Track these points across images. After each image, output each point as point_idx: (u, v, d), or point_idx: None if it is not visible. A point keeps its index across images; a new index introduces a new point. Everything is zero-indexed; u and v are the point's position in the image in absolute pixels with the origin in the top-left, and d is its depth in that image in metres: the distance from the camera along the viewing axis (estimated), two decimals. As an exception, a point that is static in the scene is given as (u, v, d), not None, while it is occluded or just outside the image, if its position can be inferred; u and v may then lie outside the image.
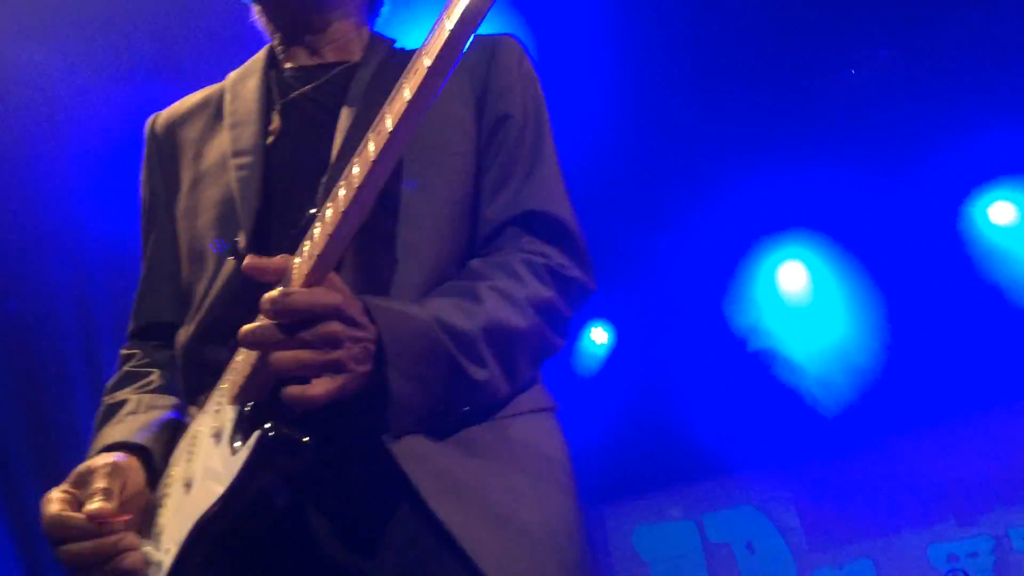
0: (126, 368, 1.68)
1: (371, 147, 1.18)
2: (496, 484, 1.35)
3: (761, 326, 6.20)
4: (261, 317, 1.20)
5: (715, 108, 5.21)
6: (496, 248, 1.52)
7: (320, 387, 1.18)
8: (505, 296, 1.41)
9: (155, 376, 1.64)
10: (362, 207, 1.20)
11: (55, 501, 1.31)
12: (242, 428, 1.28)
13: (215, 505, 1.25)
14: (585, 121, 4.71)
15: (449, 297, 1.38)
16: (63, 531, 1.28)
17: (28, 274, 4.55)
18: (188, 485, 1.35)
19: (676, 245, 5.76)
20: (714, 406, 5.99)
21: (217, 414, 1.35)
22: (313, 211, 1.30)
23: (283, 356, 1.17)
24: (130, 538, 1.31)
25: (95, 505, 1.29)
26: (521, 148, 1.56)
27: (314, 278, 1.21)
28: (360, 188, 1.18)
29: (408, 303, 1.34)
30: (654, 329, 6.12)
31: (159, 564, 1.30)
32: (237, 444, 1.27)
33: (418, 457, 1.31)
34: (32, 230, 4.45)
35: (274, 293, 1.17)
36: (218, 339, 1.45)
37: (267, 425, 1.22)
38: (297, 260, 1.23)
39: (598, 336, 6.39)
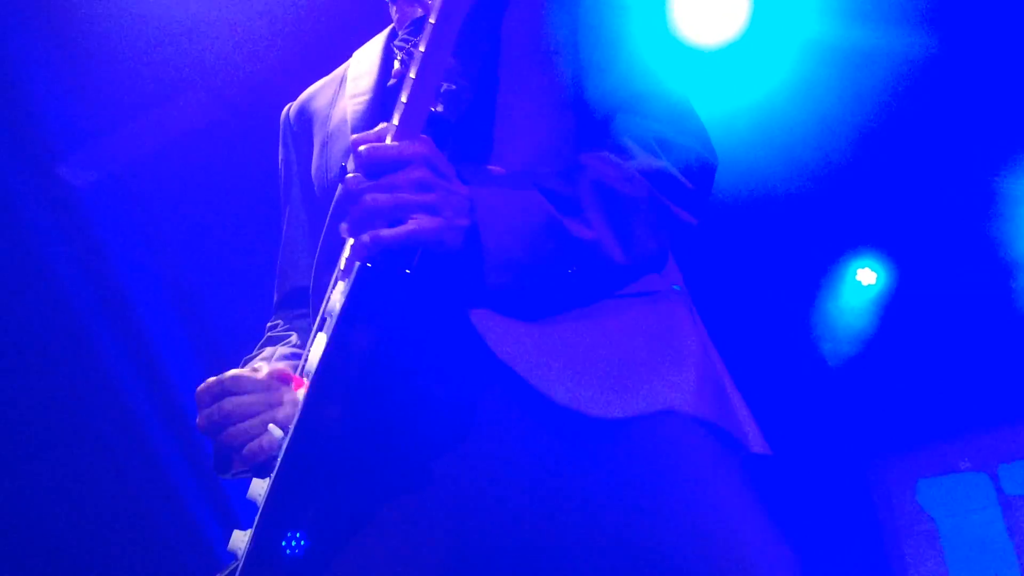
0: (267, 335, 1.73)
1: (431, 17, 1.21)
2: (584, 341, 1.27)
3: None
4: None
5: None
6: (604, 136, 1.45)
7: (415, 223, 1.17)
8: (610, 164, 1.35)
9: (293, 337, 1.68)
10: (437, 57, 1.22)
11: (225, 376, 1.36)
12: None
13: (321, 361, 1.24)
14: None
15: (550, 171, 1.35)
16: (237, 385, 1.33)
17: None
18: (308, 375, 1.35)
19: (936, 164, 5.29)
20: (1006, 344, 5.49)
21: (329, 303, 1.34)
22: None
23: (379, 196, 1.17)
24: (295, 394, 1.34)
25: (279, 365, 1.34)
26: (619, 29, 1.50)
27: (401, 136, 1.21)
28: (430, 39, 1.21)
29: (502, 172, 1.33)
30: (929, 264, 5.69)
31: (281, 440, 1.31)
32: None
33: (497, 320, 1.26)
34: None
35: (362, 148, 1.19)
36: (334, 262, 1.43)
37: (364, 258, 1.19)
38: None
39: (866, 277, 6.01)
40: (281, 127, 1.85)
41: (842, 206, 5.39)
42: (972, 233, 5.60)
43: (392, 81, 1.62)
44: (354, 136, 1.24)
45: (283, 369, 1.35)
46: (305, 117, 1.78)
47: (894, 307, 5.93)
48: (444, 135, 1.34)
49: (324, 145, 1.67)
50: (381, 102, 1.58)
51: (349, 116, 1.60)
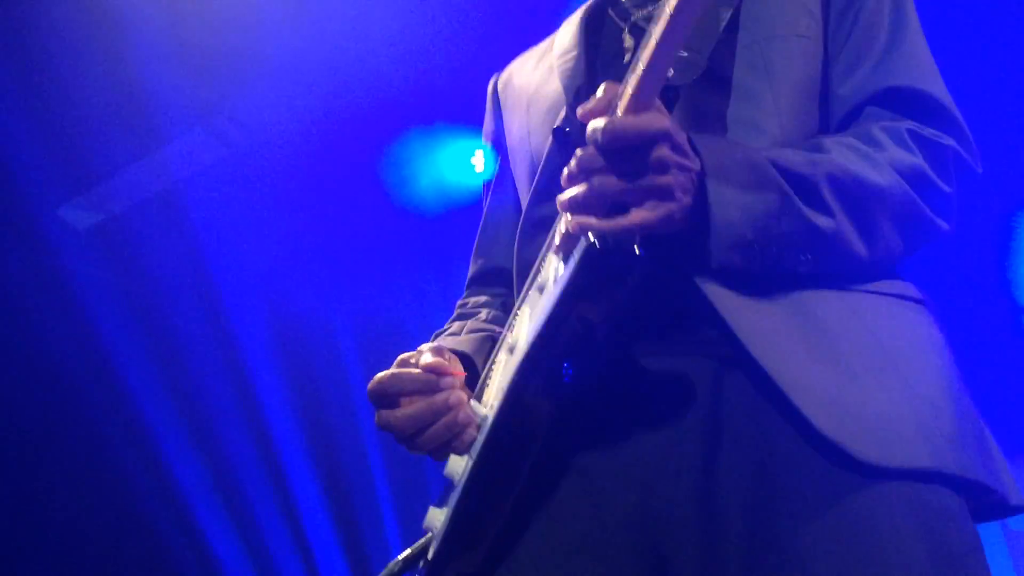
0: (457, 312, 1.68)
1: None
2: (837, 344, 1.14)
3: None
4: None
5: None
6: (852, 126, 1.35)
7: (643, 213, 1.08)
8: (857, 151, 1.24)
9: (483, 313, 1.62)
10: (677, 31, 1.09)
11: (386, 372, 1.31)
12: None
13: (537, 336, 1.16)
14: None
15: (790, 149, 1.24)
16: (398, 384, 1.27)
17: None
18: (512, 349, 1.29)
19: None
20: (1012, 380, 5.40)
21: (539, 275, 1.29)
22: (628, 59, 1.24)
23: (611, 180, 1.08)
24: (460, 394, 1.28)
25: (430, 359, 1.29)
26: (878, 25, 1.38)
27: (638, 106, 1.11)
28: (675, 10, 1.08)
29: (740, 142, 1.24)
30: (936, 297, 5.61)
31: (484, 418, 1.25)
32: (560, 274, 1.19)
33: (736, 301, 1.15)
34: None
35: (600, 121, 1.09)
36: (540, 231, 1.38)
37: (592, 239, 1.10)
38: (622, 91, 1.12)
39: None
40: (488, 98, 1.78)
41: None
42: (982, 267, 5.53)
43: (628, 57, 1.46)
44: (580, 110, 1.14)
45: (435, 363, 1.28)
46: (512, 86, 1.70)
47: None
48: (670, 104, 1.25)
49: (527, 109, 1.59)
50: (591, 59, 1.50)
51: (557, 71, 1.51)
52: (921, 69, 1.36)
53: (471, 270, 1.73)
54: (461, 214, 5.22)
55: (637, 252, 1.10)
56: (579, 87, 1.45)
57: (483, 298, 1.67)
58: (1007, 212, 5.29)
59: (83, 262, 4.99)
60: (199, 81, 4.32)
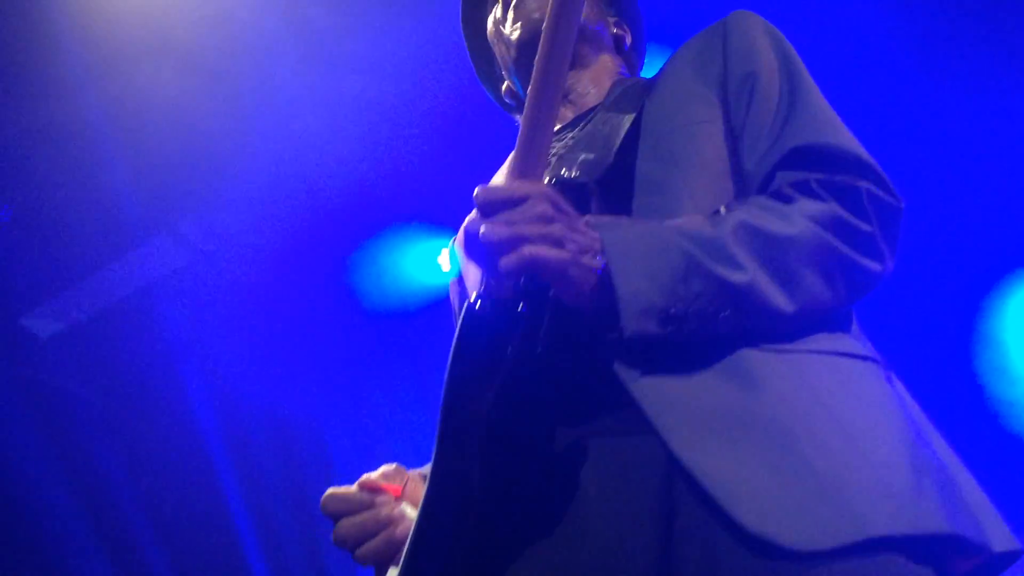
0: None
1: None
2: (774, 421, 1.06)
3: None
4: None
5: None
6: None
7: (538, 249, 1.05)
8: (762, 207, 1.22)
9: None
10: (549, 89, 1.20)
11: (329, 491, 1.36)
12: None
13: (447, 389, 1.14)
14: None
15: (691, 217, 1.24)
16: (337, 503, 1.33)
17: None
18: None
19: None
20: (986, 469, 5.24)
21: None
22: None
23: (495, 230, 1.06)
24: (399, 508, 1.32)
25: (368, 477, 1.35)
26: (772, 96, 1.38)
27: (520, 176, 1.16)
28: (542, 71, 1.20)
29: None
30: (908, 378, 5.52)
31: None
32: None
33: (657, 384, 1.10)
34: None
35: (477, 191, 1.10)
36: None
37: (474, 299, 1.10)
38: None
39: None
40: (452, 268, 1.78)
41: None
42: (954, 348, 5.44)
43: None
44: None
45: (369, 481, 1.34)
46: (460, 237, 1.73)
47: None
48: (582, 203, 1.27)
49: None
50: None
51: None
52: (821, 124, 1.35)
53: None
54: (428, 314, 5.24)
55: (520, 309, 1.08)
56: None
57: None
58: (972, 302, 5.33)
59: (46, 370, 4.92)
60: (164, 185, 4.35)
